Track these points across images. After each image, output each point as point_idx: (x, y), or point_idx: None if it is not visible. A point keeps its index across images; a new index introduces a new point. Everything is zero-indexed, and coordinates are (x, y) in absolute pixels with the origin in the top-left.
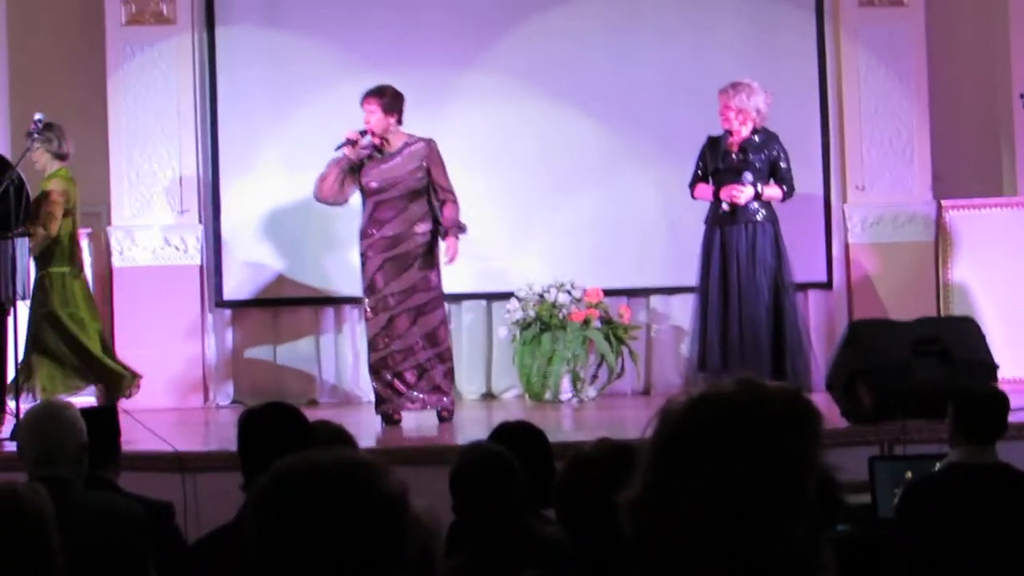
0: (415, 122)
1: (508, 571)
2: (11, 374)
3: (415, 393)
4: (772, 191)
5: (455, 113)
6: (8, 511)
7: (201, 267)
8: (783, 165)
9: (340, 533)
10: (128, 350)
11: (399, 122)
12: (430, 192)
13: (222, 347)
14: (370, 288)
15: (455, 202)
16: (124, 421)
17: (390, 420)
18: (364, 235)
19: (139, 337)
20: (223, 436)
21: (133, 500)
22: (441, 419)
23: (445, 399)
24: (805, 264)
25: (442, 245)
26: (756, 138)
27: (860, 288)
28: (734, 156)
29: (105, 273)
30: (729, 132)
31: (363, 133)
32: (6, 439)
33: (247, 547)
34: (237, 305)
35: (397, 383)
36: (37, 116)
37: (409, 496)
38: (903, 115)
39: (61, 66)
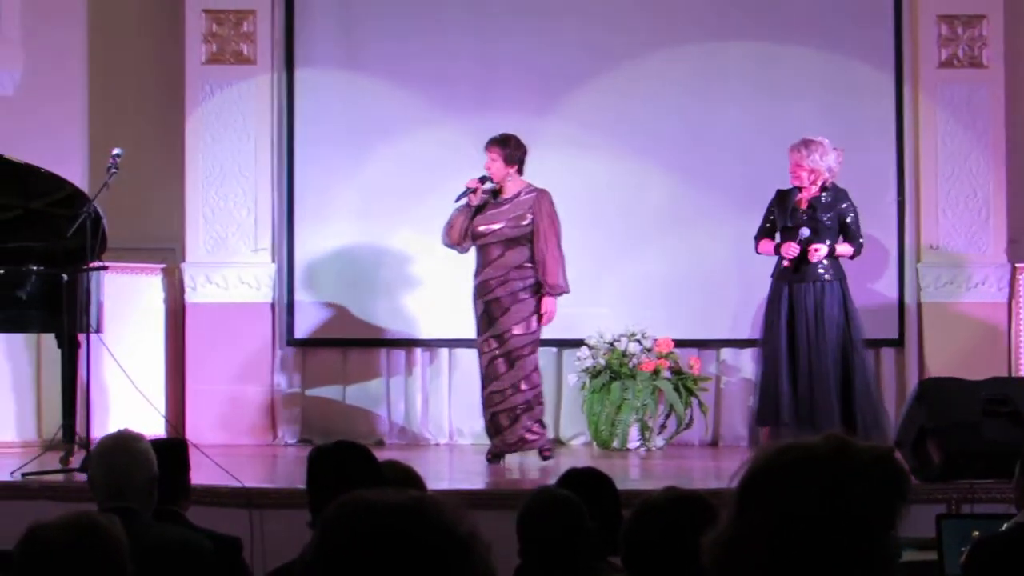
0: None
1: None
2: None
3: (510, 434)
4: (843, 248)
5: (530, 161)
6: (87, 539)
7: (273, 305)
8: (852, 223)
9: (404, 569)
10: (199, 386)
11: (519, 172)
12: (533, 241)
13: (291, 385)
14: (478, 329)
15: (556, 258)
16: (193, 455)
17: (492, 458)
18: (475, 276)
19: (210, 373)
20: (290, 473)
21: (201, 534)
22: (544, 458)
23: (542, 439)
24: (877, 321)
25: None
26: (825, 196)
27: (931, 346)
28: (802, 213)
29: (178, 309)
30: (799, 188)
31: (483, 180)
32: (76, 469)
33: None
34: (308, 344)
35: (496, 422)
36: (115, 151)
37: (479, 536)
38: (980, 176)
39: (140, 102)
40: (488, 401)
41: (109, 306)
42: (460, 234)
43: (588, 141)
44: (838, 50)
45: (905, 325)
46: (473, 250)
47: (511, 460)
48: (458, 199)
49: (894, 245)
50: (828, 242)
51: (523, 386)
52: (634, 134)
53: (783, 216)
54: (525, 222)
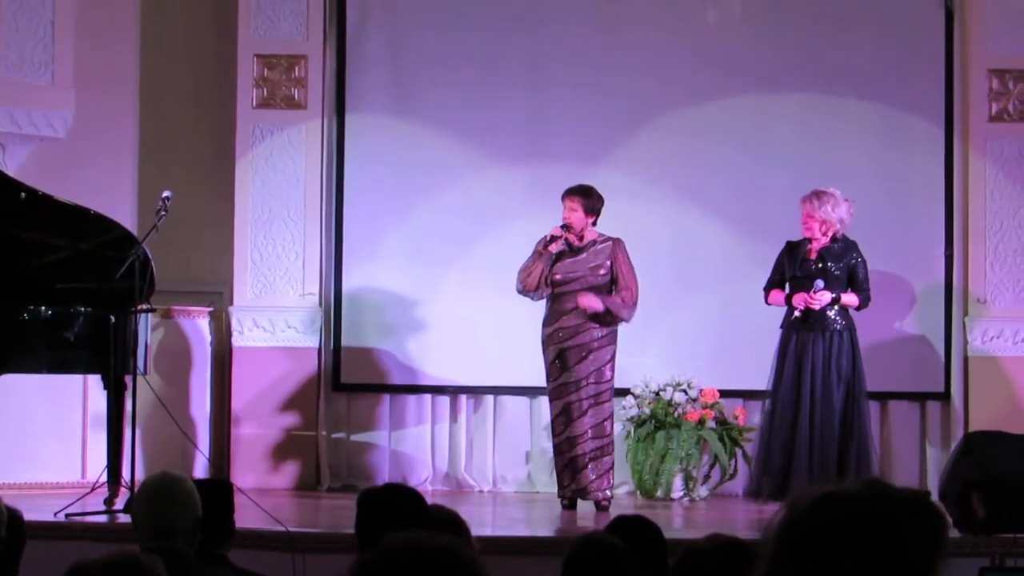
0: (543, 218)
1: None
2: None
3: (585, 479)
4: (849, 298)
5: None
6: None
7: (319, 350)
8: (861, 274)
9: None
10: (244, 430)
11: (594, 223)
12: (611, 290)
13: (337, 430)
14: (549, 375)
15: (628, 297)
16: (237, 499)
17: (563, 504)
18: (544, 324)
19: (256, 417)
20: (334, 518)
21: None
22: (600, 508)
23: (605, 491)
24: (923, 374)
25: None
26: (835, 246)
27: (977, 400)
28: (812, 263)
29: (225, 352)
30: (809, 240)
31: (563, 228)
32: (120, 511)
33: None
34: (354, 389)
35: (568, 469)
36: (165, 193)
37: None
38: None
39: (191, 145)
40: (557, 448)
41: (156, 349)
42: (538, 281)
43: (638, 191)
44: (889, 102)
45: (951, 378)
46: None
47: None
48: (546, 245)
49: (941, 298)
50: (836, 291)
51: (602, 431)
52: (685, 184)
53: (792, 266)
54: (603, 271)
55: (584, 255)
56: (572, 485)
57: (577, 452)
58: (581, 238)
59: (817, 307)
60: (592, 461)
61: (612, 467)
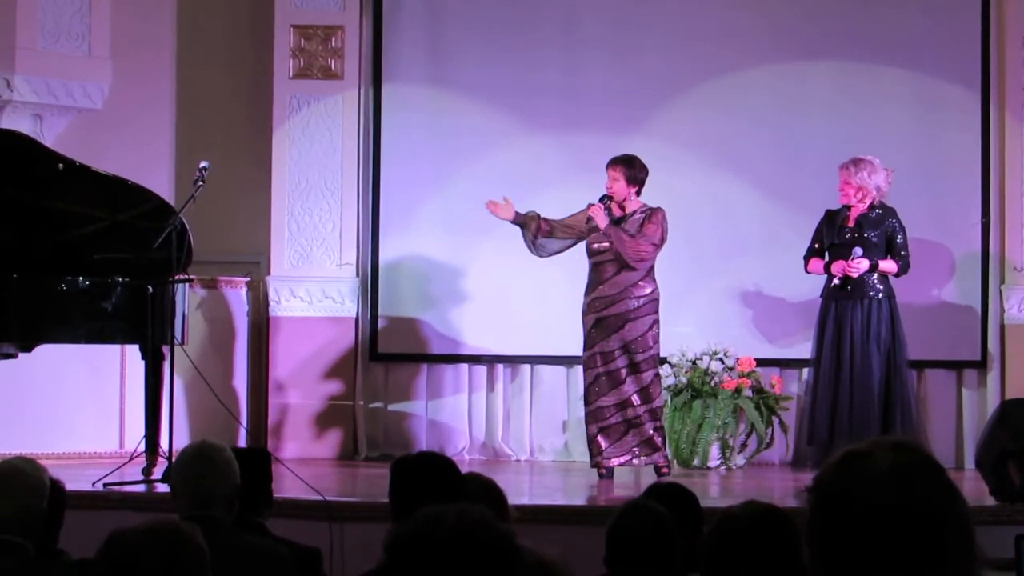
0: (579, 186)
1: None
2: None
3: (622, 448)
4: (887, 265)
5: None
6: (168, 546)
7: (357, 320)
8: (899, 240)
9: None
10: (281, 399)
11: (638, 193)
12: (652, 266)
13: (374, 399)
14: (585, 344)
15: (639, 243)
16: (275, 468)
17: (599, 473)
18: (585, 293)
19: (294, 386)
20: (372, 487)
21: (282, 544)
22: (660, 474)
23: (659, 455)
24: (960, 342)
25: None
26: (873, 214)
27: (1014, 368)
28: (849, 231)
29: (262, 322)
30: (847, 207)
31: (606, 198)
32: (158, 480)
33: None
34: (391, 359)
35: (600, 438)
36: (202, 164)
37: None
38: None
39: (228, 116)
40: (591, 416)
41: (193, 318)
42: (536, 231)
43: (675, 157)
44: (926, 70)
45: (988, 346)
46: (586, 266)
47: (617, 474)
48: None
49: (978, 266)
50: (873, 258)
51: (648, 397)
52: (722, 152)
53: (831, 234)
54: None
55: (626, 225)
56: (613, 454)
57: (620, 418)
58: (623, 208)
59: (855, 275)
60: (638, 427)
61: (653, 435)
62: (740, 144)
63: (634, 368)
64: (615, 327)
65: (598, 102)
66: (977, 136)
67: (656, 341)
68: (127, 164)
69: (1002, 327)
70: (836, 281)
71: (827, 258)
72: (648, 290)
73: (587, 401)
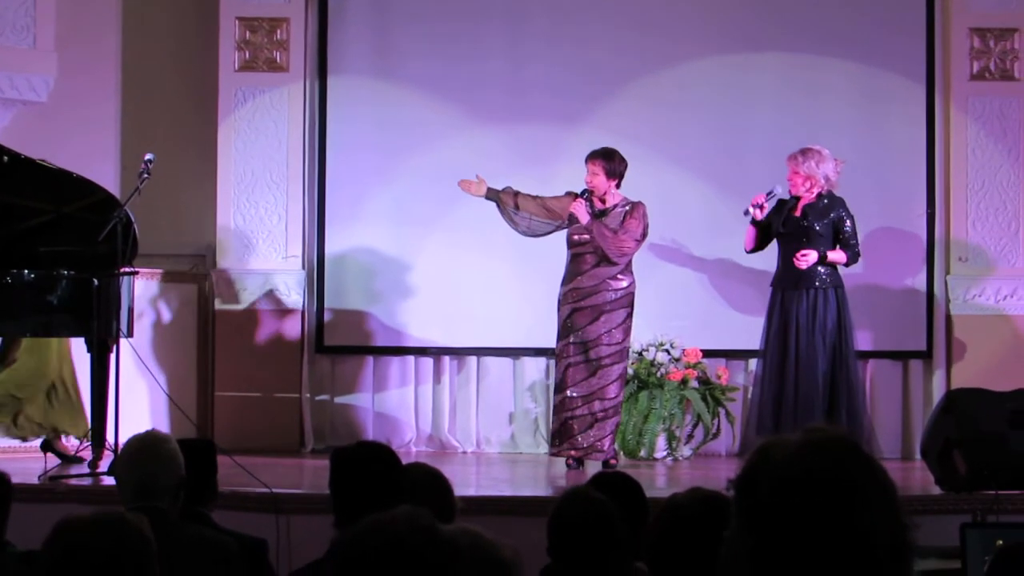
0: (522, 177)
1: None
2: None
3: (580, 441)
4: (836, 255)
5: (562, 170)
6: (115, 536)
7: (303, 313)
8: (847, 230)
9: None
10: (228, 392)
11: (618, 186)
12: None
13: (320, 392)
14: (559, 334)
15: (619, 238)
16: (221, 461)
17: (567, 463)
18: (562, 283)
19: (239, 380)
20: (317, 479)
21: (228, 535)
22: (608, 466)
23: (611, 450)
24: (906, 332)
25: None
26: (820, 204)
27: (959, 358)
28: (796, 220)
29: (208, 315)
30: (797, 197)
31: (585, 192)
32: (104, 473)
33: None
34: (337, 351)
35: (567, 428)
36: (147, 156)
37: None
38: (1010, 189)
39: (173, 109)
40: (560, 406)
41: (139, 311)
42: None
43: (621, 149)
44: (871, 61)
45: (934, 337)
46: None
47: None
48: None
49: (923, 257)
50: (821, 250)
51: (606, 394)
52: (667, 143)
53: (778, 221)
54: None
55: (607, 219)
56: (576, 443)
57: (584, 412)
58: (604, 201)
59: (804, 267)
60: (599, 422)
61: (615, 430)
62: (686, 135)
63: (607, 360)
64: (590, 319)
65: (544, 94)
66: (922, 127)
67: (628, 334)
68: (72, 156)
69: (948, 317)
70: (803, 265)
71: (778, 249)
72: (625, 283)
73: (557, 390)
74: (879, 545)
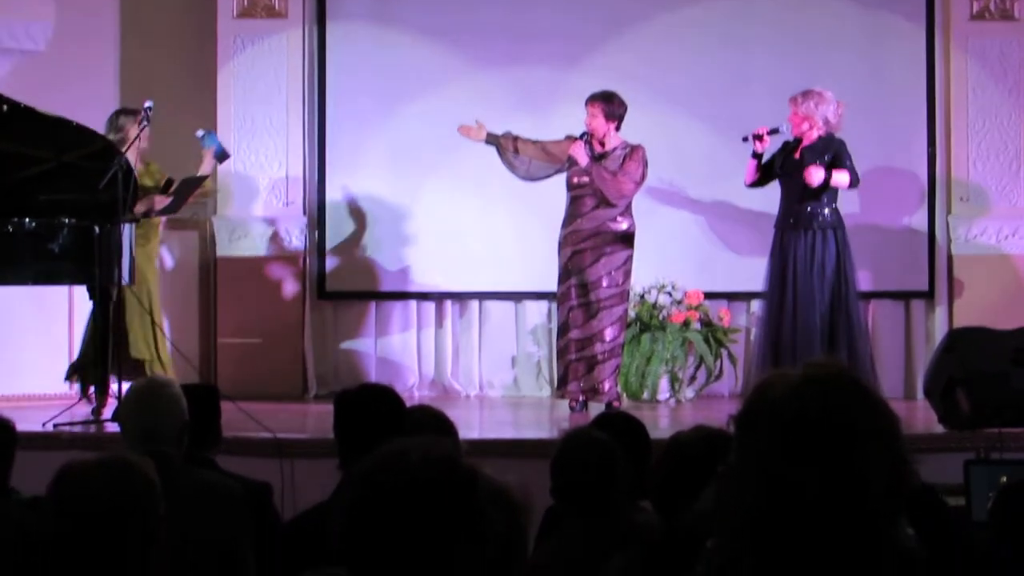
0: (522, 122)
1: (598, 556)
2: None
3: (582, 384)
4: (839, 176)
5: (563, 112)
6: (121, 477)
7: (304, 259)
8: (845, 158)
9: (432, 522)
10: (230, 339)
11: (617, 128)
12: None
13: (322, 338)
14: (560, 277)
15: (619, 180)
16: (224, 407)
17: (570, 406)
18: (562, 225)
19: (241, 326)
20: (321, 424)
21: (232, 479)
22: (610, 408)
23: (614, 391)
24: (907, 273)
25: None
26: (818, 144)
27: (961, 298)
28: (795, 162)
29: (209, 263)
30: (799, 139)
31: (582, 135)
32: (108, 420)
33: (334, 524)
34: (339, 297)
35: (571, 370)
36: (147, 104)
37: (510, 493)
38: (1010, 129)
39: (172, 57)
40: (565, 349)
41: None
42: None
43: (622, 92)
44: (870, 2)
45: (935, 276)
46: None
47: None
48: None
49: (924, 197)
50: (825, 166)
51: (606, 336)
52: (667, 85)
53: (779, 162)
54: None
55: (606, 161)
56: (581, 385)
57: (587, 354)
58: (603, 144)
59: (814, 183)
60: (601, 363)
61: (616, 371)
62: (687, 76)
63: (606, 302)
64: (591, 260)
65: (544, 39)
66: (923, 68)
67: (629, 276)
68: (71, 105)
69: (950, 257)
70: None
71: (781, 190)
72: (625, 225)
73: (560, 334)
74: (874, 481)
